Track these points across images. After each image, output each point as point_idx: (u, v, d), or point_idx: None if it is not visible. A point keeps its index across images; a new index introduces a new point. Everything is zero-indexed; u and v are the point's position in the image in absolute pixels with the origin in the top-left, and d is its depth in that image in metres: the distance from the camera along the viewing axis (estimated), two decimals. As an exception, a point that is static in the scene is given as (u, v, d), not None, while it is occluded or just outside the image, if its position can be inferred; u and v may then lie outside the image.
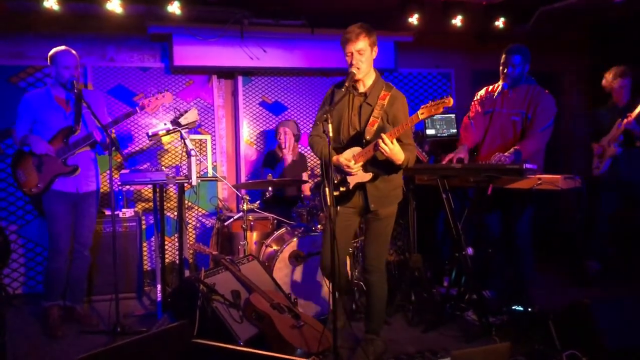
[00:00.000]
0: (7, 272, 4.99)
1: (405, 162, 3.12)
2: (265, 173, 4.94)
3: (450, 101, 2.98)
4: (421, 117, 3.04)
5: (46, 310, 4.05)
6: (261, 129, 5.84)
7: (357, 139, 3.22)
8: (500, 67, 4.11)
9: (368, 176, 3.20)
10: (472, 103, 4.37)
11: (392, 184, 3.30)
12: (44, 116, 3.93)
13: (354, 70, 3.14)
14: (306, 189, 5.16)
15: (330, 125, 2.88)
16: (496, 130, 4.15)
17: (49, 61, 3.94)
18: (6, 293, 4.82)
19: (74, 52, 3.96)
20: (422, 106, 3.06)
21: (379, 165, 3.19)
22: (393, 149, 3.01)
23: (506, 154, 3.86)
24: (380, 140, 3.00)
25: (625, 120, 4.53)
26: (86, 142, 3.93)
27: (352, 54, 3.14)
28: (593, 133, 4.92)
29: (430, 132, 5.26)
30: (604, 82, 4.87)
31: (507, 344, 2.82)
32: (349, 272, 4.11)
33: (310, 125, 5.58)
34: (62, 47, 3.95)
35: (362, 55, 3.14)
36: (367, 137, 3.16)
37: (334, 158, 3.16)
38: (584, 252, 5.03)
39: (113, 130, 3.95)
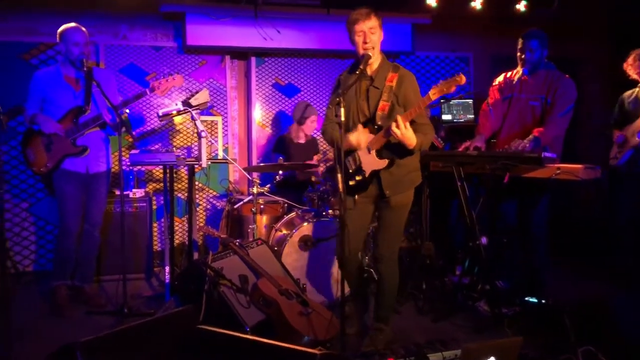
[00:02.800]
0: (18, 250, 5.00)
1: (418, 146, 3.03)
2: (275, 158, 4.86)
3: (462, 79, 2.87)
4: (433, 97, 2.93)
5: (54, 290, 4.04)
6: (274, 111, 5.76)
7: (368, 124, 3.12)
8: (518, 53, 4.00)
9: (384, 163, 3.11)
10: (491, 89, 4.25)
11: (406, 167, 3.19)
12: (53, 95, 3.88)
13: (369, 51, 3.04)
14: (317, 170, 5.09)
15: (342, 110, 2.78)
16: (515, 116, 4.05)
17: (58, 38, 3.88)
18: (16, 270, 4.83)
19: (83, 29, 3.90)
20: (433, 85, 2.95)
21: (394, 149, 3.10)
22: (405, 133, 2.92)
23: (525, 140, 3.75)
24: (393, 124, 2.91)
25: None
26: (96, 123, 3.88)
27: (363, 32, 3.04)
28: (617, 120, 4.68)
29: (446, 117, 5.14)
30: (625, 65, 4.61)
31: (519, 339, 2.74)
32: (360, 259, 4.04)
33: (323, 108, 5.49)
34: (72, 24, 3.89)
35: (374, 34, 3.05)
36: (379, 123, 3.07)
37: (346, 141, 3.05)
38: (611, 247, 4.84)
39: (127, 110, 3.90)
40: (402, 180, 3.20)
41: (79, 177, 3.97)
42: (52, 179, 3.95)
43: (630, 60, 4.49)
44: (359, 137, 3.11)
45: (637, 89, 4.50)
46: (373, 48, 3.05)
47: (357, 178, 3.17)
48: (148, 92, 3.93)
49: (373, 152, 3.11)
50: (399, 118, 2.91)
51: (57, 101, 3.88)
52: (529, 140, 3.75)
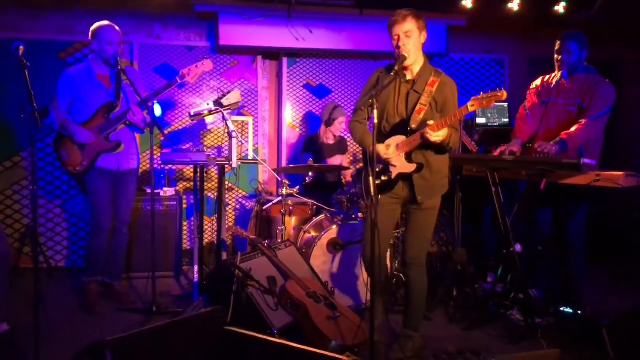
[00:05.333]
0: (51, 245, 5.08)
1: (449, 139, 2.99)
2: (305, 158, 4.83)
3: (504, 95, 2.83)
4: (471, 108, 2.90)
5: (85, 286, 4.08)
6: (304, 112, 5.73)
7: (402, 127, 3.07)
8: (555, 55, 3.88)
9: (412, 167, 3.05)
10: (528, 93, 4.14)
11: (439, 174, 3.15)
12: (85, 93, 3.91)
13: (404, 53, 2.98)
14: (347, 174, 5.04)
15: (375, 111, 2.73)
16: (551, 121, 3.93)
17: (90, 36, 3.90)
18: (49, 265, 4.91)
19: (117, 27, 3.92)
20: (472, 97, 2.91)
21: (424, 154, 3.05)
22: (444, 137, 2.91)
23: (551, 142, 3.63)
24: (428, 133, 2.88)
25: None
26: (126, 117, 3.90)
27: (398, 36, 2.99)
28: None
29: (480, 121, 5.03)
30: None
31: (556, 351, 2.65)
32: (389, 264, 3.98)
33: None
34: (105, 22, 3.92)
35: (410, 37, 2.98)
36: (413, 126, 3.01)
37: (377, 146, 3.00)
38: None
39: (158, 109, 3.90)
40: (435, 186, 3.15)
41: (111, 174, 4.00)
42: (85, 177, 3.98)
43: None
44: (391, 142, 3.07)
45: None
46: (409, 51, 2.99)
47: (383, 178, 3.13)
48: (179, 80, 3.94)
49: (402, 155, 3.05)
50: (434, 124, 2.88)
51: (88, 99, 3.90)
52: (555, 142, 3.63)
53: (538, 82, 4.10)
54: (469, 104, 2.90)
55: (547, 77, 4.04)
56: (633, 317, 3.09)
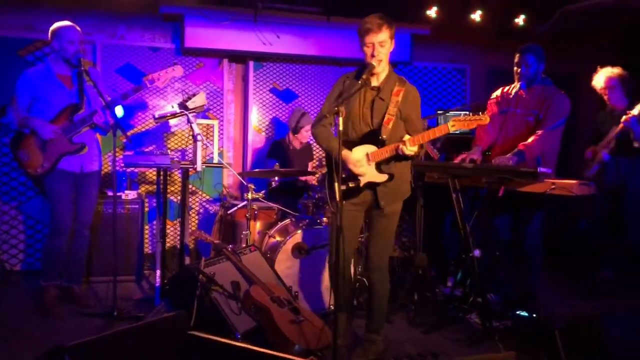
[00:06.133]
0: (6, 249, 4.95)
1: (416, 156, 3.11)
2: (270, 164, 4.85)
3: (486, 119, 2.94)
4: (451, 129, 3.00)
5: (43, 289, 3.99)
6: (270, 116, 5.74)
7: (371, 137, 3.12)
8: (514, 67, 4.01)
9: (383, 177, 3.11)
10: (488, 102, 4.26)
11: (401, 180, 3.22)
12: (45, 94, 3.83)
13: (374, 62, 3.03)
14: (312, 178, 5.08)
15: (341, 119, 2.77)
16: (509, 130, 4.05)
17: (50, 35, 3.83)
18: (3, 269, 4.77)
19: (77, 27, 3.86)
20: (453, 118, 3.01)
21: (393, 165, 3.12)
22: (416, 152, 3.01)
23: (508, 155, 3.76)
24: (404, 149, 2.97)
25: (624, 118, 4.26)
26: (92, 120, 3.84)
27: (373, 45, 3.02)
28: (592, 137, 4.76)
29: (442, 128, 5.13)
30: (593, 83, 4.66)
31: (511, 353, 2.73)
32: (353, 268, 4.02)
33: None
34: (66, 22, 3.85)
35: (383, 47, 3.03)
36: (383, 137, 3.07)
37: (344, 153, 3.04)
38: (594, 260, 4.89)
39: (120, 110, 3.86)
40: (396, 193, 3.22)
41: (73, 176, 3.93)
42: (45, 179, 3.89)
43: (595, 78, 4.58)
44: (362, 150, 3.12)
45: (608, 109, 4.61)
46: (380, 61, 3.05)
47: (350, 185, 3.15)
48: (148, 84, 3.90)
49: (373, 164, 3.11)
50: (409, 142, 2.97)
51: (49, 100, 3.83)
52: (513, 154, 3.76)
53: (498, 92, 4.22)
54: (450, 124, 2.99)
55: (507, 88, 4.16)
56: (585, 320, 3.21)
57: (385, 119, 3.07)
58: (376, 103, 3.12)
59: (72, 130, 3.83)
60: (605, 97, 4.58)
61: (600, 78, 4.55)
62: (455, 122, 2.98)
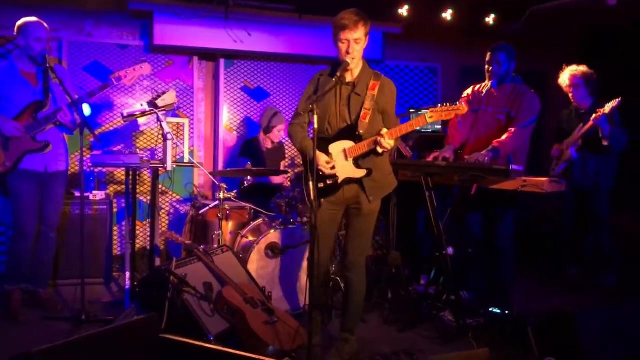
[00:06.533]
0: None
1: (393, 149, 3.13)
2: (243, 163, 4.79)
3: (464, 109, 2.95)
4: (429, 120, 3.00)
5: (8, 294, 3.86)
6: (242, 115, 5.68)
7: (348, 132, 3.10)
8: (486, 66, 4.04)
9: (361, 172, 3.09)
10: (459, 101, 4.28)
11: (384, 171, 3.23)
12: (9, 91, 3.71)
13: (348, 59, 3.00)
14: (283, 179, 5.03)
15: (316, 117, 2.74)
16: (481, 128, 4.08)
17: (16, 31, 3.71)
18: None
19: (45, 24, 3.75)
20: (431, 108, 3.01)
21: (372, 158, 3.10)
22: (392, 146, 3.00)
23: (483, 152, 3.79)
24: (382, 142, 2.95)
25: (594, 116, 4.28)
26: (56, 117, 3.73)
27: (348, 41, 2.99)
28: (557, 135, 4.80)
29: (415, 127, 5.15)
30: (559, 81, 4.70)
31: (485, 350, 2.75)
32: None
33: (293, 113, 5.46)
34: (33, 18, 3.73)
35: (358, 44, 3.01)
36: (361, 131, 3.05)
37: (317, 153, 3.00)
38: (563, 256, 4.98)
39: (88, 109, 3.76)
40: (383, 185, 3.22)
41: (37, 176, 3.81)
42: (7, 178, 3.76)
43: (561, 76, 4.63)
44: (338, 147, 3.10)
45: (572, 108, 4.67)
46: (353, 59, 3.02)
47: (328, 182, 3.13)
48: (114, 82, 3.80)
49: (350, 160, 3.08)
50: (387, 136, 2.94)
51: (13, 97, 3.70)
52: (487, 151, 3.79)
53: (469, 91, 4.24)
54: (428, 115, 2.99)
55: (478, 86, 4.19)
56: (557, 316, 3.24)
57: (362, 113, 3.05)
58: (352, 99, 3.10)
59: (36, 128, 3.71)
60: (570, 95, 4.63)
61: (565, 76, 4.60)
62: (432, 113, 2.98)
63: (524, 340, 3.27)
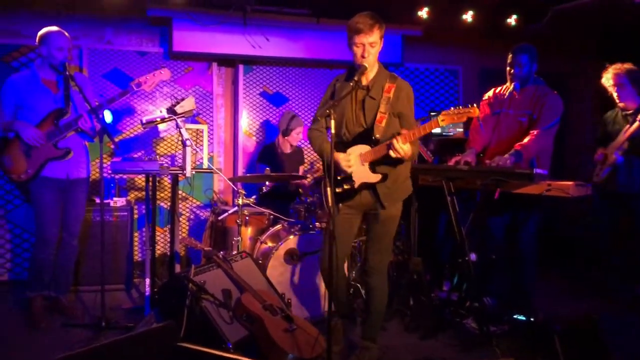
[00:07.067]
0: (10, 257, 4.83)
1: (412, 158, 3.03)
2: (261, 168, 4.77)
3: (476, 111, 2.86)
4: (442, 123, 2.91)
5: (30, 301, 3.89)
6: (261, 120, 5.67)
7: (365, 136, 3.05)
8: (507, 67, 3.96)
9: (377, 177, 3.04)
10: (481, 103, 4.20)
11: (400, 177, 3.15)
12: (31, 100, 3.74)
13: (365, 63, 2.96)
14: (303, 182, 5.00)
15: (333, 122, 2.70)
16: (502, 131, 4.00)
17: (38, 41, 3.75)
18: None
19: (66, 33, 3.78)
20: (443, 112, 2.93)
21: (388, 163, 3.03)
22: (407, 152, 2.90)
23: (506, 155, 3.70)
24: (394, 144, 2.86)
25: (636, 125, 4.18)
26: (77, 124, 3.75)
27: (363, 45, 2.95)
28: (600, 138, 4.60)
29: (436, 130, 5.07)
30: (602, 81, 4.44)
31: (510, 359, 2.68)
32: (347, 273, 3.96)
33: (311, 118, 5.43)
34: (55, 28, 3.77)
35: (374, 47, 2.97)
36: (377, 135, 2.99)
37: (334, 154, 2.96)
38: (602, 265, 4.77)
39: (109, 116, 3.78)
40: (397, 191, 3.15)
41: (59, 183, 3.84)
42: (30, 186, 3.80)
43: (604, 76, 4.40)
44: (354, 151, 3.05)
45: (617, 109, 4.42)
46: (370, 61, 2.98)
47: (345, 187, 3.09)
48: (135, 88, 3.83)
49: (366, 165, 3.04)
50: (401, 139, 2.86)
51: (35, 106, 3.74)
52: (510, 154, 3.70)
53: (490, 93, 4.17)
54: (440, 118, 2.91)
55: (499, 88, 4.11)
56: (583, 322, 3.16)
57: (378, 117, 3.00)
58: (367, 102, 3.05)
59: (57, 135, 3.74)
60: (615, 96, 4.36)
61: (609, 75, 4.35)
62: (444, 117, 2.90)
63: (550, 348, 3.18)
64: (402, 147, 2.86)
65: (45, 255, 3.84)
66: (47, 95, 3.79)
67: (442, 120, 2.90)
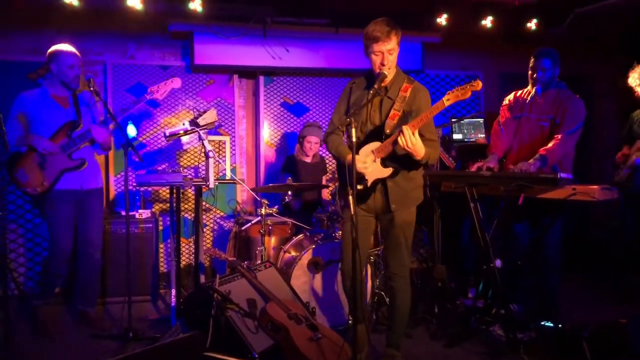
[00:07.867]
0: (22, 271, 4.93)
1: (426, 157, 2.95)
2: (284, 178, 4.80)
3: (479, 85, 2.78)
4: (447, 103, 2.83)
5: (34, 309, 3.99)
6: (282, 131, 5.71)
7: (377, 134, 3.04)
8: (529, 72, 3.93)
9: (387, 171, 3.02)
10: (501, 108, 4.19)
11: (413, 182, 3.13)
12: (42, 114, 3.84)
13: (385, 71, 2.97)
14: (325, 193, 5.01)
15: (353, 130, 2.71)
16: (524, 136, 3.97)
17: (47, 58, 3.86)
18: (20, 292, 4.75)
19: (75, 50, 3.89)
20: (448, 92, 2.85)
21: (399, 159, 3.01)
22: (415, 144, 2.84)
23: (530, 160, 3.67)
24: (400, 133, 2.83)
25: None
26: (91, 135, 3.83)
27: (382, 53, 2.96)
28: (625, 138, 4.52)
29: (457, 136, 5.07)
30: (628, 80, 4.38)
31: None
32: (370, 281, 3.95)
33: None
34: (65, 46, 3.87)
35: (392, 54, 2.98)
36: (387, 131, 2.98)
37: (349, 157, 2.92)
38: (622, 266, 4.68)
39: (133, 129, 3.85)
40: (408, 196, 3.13)
41: (74, 194, 3.89)
42: (44, 199, 3.85)
43: (631, 75, 4.33)
44: (367, 149, 3.05)
45: None
46: (390, 69, 2.99)
47: (359, 187, 3.05)
48: (147, 97, 3.91)
49: (378, 161, 3.03)
50: (405, 127, 2.83)
51: (45, 120, 3.83)
52: (535, 160, 3.66)
53: (510, 97, 4.14)
54: (445, 98, 2.83)
55: (520, 92, 4.08)
56: (611, 327, 3.10)
57: (391, 114, 3.00)
58: (384, 103, 3.06)
59: (71, 147, 3.83)
60: None
61: (635, 74, 4.29)
62: (449, 95, 2.83)
63: (579, 355, 3.13)
64: (410, 136, 2.81)
65: (57, 268, 3.91)
66: (58, 109, 3.89)
67: (447, 100, 2.83)
